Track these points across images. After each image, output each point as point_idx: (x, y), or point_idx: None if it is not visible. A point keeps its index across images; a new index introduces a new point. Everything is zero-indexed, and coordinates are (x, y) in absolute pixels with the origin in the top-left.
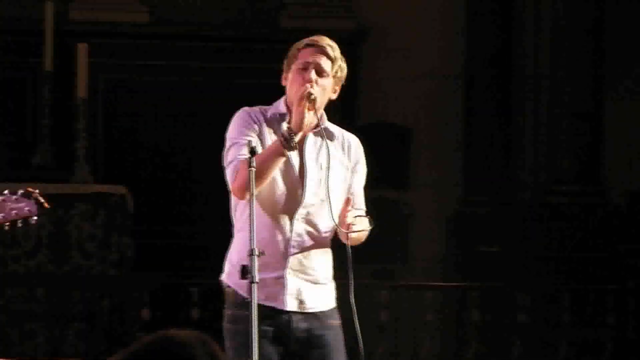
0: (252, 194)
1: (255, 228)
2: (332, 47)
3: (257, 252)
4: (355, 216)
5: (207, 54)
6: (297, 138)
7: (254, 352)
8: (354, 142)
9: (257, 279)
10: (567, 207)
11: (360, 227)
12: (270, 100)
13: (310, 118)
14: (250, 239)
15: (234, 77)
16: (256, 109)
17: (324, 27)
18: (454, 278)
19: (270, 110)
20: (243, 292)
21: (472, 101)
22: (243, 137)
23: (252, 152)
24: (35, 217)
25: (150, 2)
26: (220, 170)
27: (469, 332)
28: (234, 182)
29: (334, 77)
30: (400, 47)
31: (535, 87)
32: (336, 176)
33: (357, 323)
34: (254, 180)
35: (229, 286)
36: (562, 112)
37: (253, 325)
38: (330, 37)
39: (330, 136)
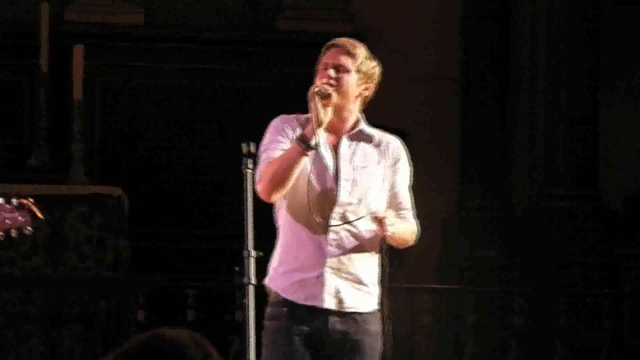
0: (247, 195)
1: (251, 228)
2: (353, 45)
3: (252, 254)
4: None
5: (204, 56)
6: (316, 136)
7: (250, 356)
8: (393, 143)
9: (253, 280)
10: (563, 211)
11: (398, 225)
12: (268, 102)
13: (327, 114)
14: (245, 239)
15: (231, 79)
16: (292, 116)
17: (321, 31)
18: (451, 282)
19: (306, 116)
20: (284, 294)
21: (468, 105)
22: (274, 143)
23: (249, 153)
24: (29, 228)
25: (147, 4)
26: (217, 172)
27: (465, 336)
28: (258, 184)
29: (358, 72)
30: (397, 50)
31: (531, 92)
32: (373, 175)
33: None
34: (248, 182)
35: (271, 289)
36: (558, 117)
37: (249, 328)
38: (328, 40)
39: (366, 138)
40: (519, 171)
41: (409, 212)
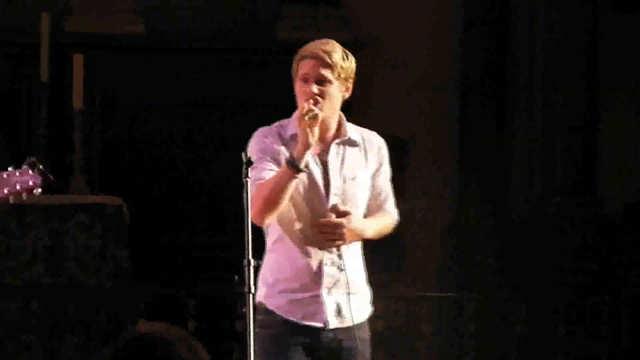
0: (247, 204)
1: (251, 236)
2: (329, 53)
3: (252, 263)
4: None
5: (203, 65)
6: (305, 157)
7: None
8: (376, 143)
9: (253, 289)
10: (562, 218)
11: (369, 225)
12: (268, 111)
13: (315, 135)
14: (246, 248)
15: (230, 88)
16: (273, 128)
17: (320, 39)
18: (451, 289)
19: (289, 126)
20: (281, 313)
21: (468, 112)
22: (260, 162)
23: (249, 162)
24: (39, 190)
25: (146, 14)
26: (217, 181)
27: (465, 343)
28: (252, 210)
29: (338, 79)
30: (396, 58)
31: (530, 99)
32: (361, 185)
33: None
34: (248, 191)
35: (267, 306)
36: (557, 124)
37: (250, 337)
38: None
39: (352, 143)
40: (518, 178)
41: (390, 205)
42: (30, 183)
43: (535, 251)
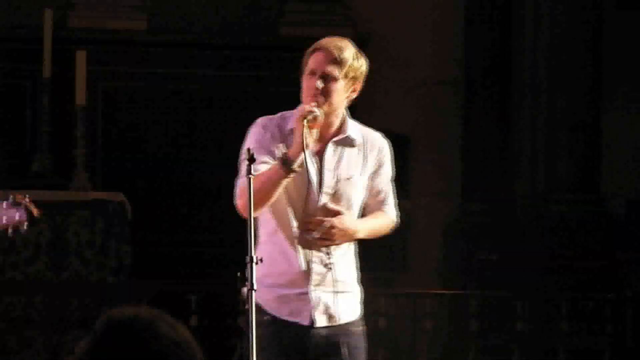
0: (250, 204)
1: (253, 233)
2: (340, 49)
3: (255, 260)
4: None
5: (206, 61)
6: (299, 158)
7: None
8: (377, 144)
9: (256, 286)
10: (565, 215)
11: (364, 225)
12: (270, 107)
13: (313, 136)
14: (249, 246)
15: (233, 84)
16: (275, 119)
17: (322, 35)
18: (453, 286)
19: (291, 119)
20: (268, 309)
21: (470, 109)
22: (256, 153)
23: (252, 159)
24: (25, 225)
25: (149, 10)
26: (219, 178)
27: (468, 341)
28: (238, 200)
29: (345, 78)
30: (399, 55)
31: (533, 96)
32: (356, 186)
33: None
34: (251, 189)
35: (255, 301)
36: (560, 121)
37: (252, 333)
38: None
39: (351, 142)
40: (520, 175)
41: (389, 206)
42: (17, 217)
43: (538, 248)
